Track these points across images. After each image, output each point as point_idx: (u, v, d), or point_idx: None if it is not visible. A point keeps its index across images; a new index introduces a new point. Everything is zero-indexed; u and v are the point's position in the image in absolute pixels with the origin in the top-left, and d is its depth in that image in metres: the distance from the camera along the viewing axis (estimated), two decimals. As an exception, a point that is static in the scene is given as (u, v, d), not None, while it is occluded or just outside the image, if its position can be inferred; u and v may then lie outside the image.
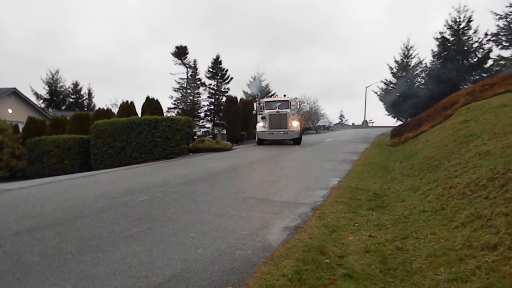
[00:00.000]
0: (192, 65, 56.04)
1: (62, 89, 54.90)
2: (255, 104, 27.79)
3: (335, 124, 74.11)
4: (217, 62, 55.92)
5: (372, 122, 72.75)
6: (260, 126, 24.55)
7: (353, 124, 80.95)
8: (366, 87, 59.84)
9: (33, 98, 46.75)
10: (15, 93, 34.75)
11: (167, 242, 5.11)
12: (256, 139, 25.49)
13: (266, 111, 24.42)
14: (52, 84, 53.64)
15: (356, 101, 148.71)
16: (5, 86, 34.78)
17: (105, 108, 27.77)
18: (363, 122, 66.53)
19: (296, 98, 26.33)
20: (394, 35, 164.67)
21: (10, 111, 32.62)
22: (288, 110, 24.06)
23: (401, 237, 5.07)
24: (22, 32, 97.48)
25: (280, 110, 23.99)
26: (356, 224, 5.94)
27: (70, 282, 3.85)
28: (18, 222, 6.36)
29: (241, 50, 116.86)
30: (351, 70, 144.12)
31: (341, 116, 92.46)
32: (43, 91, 53.34)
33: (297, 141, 24.31)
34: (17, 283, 3.85)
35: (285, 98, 25.22)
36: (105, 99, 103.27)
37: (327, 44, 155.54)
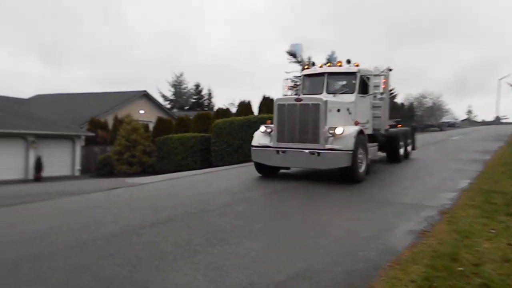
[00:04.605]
0: (306, 63, 56.30)
1: (185, 91, 59.58)
2: (285, 82, 13.20)
3: (461, 121, 67.73)
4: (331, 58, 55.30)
5: (506, 118, 65.10)
6: (259, 134, 10.50)
7: (483, 120, 73.02)
8: (499, 79, 53.35)
9: (160, 100, 51.62)
10: (145, 95, 38.85)
11: (287, 240, 5.19)
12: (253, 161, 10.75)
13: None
14: (177, 86, 58.54)
15: (487, 96, 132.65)
16: (136, 89, 39.00)
17: (224, 108, 29.22)
18: (495, 118, 59.69)
19: (384, 70, 11.89)
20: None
21: (142, 112, 36.30)
22: (335, 99, 10.27)
23: (552, 248, 4.42)
24: (149, 37, 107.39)
25: (305, 99, 9.74)
26: (492, 231, 5.36)
27: (200, 273, 4.12)
28: (154, 214, 7.02)
29: (361, 45, 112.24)
30: (481, 61, 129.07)
31: (469, 112, 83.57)
32: (169, 93, 58.56)
33: (347, 174, 9.24)
34: (155, 271, 4.24)
35: (348, 69, 11.06)
36: (224, 99, 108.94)
37: (454, 35, 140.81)
